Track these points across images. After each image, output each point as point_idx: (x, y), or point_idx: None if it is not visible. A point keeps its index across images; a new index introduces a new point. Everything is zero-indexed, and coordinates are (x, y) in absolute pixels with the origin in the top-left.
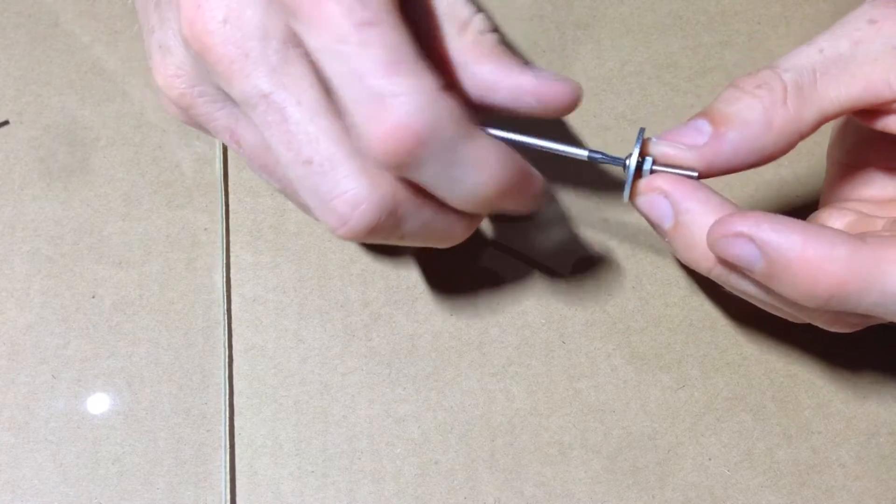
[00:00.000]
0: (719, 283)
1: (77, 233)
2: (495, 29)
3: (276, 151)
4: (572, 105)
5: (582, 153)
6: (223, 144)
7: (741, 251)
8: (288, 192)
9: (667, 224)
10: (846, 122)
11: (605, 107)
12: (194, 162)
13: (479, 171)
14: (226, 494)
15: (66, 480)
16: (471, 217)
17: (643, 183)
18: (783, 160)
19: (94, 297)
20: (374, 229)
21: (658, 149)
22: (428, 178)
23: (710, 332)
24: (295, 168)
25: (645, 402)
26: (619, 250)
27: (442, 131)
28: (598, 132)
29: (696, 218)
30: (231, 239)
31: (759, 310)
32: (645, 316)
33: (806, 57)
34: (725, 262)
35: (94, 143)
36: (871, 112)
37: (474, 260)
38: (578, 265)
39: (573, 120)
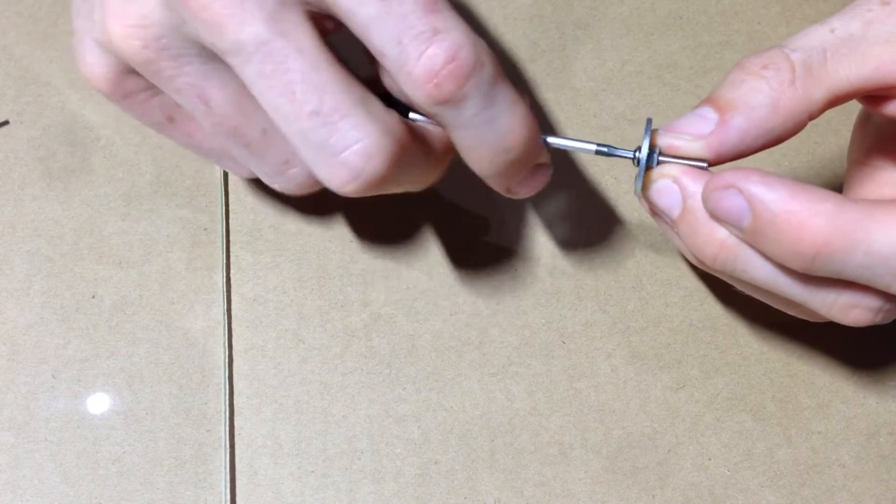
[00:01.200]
0: (723, 275)
1: (77, 233)
2: None
3: (273, 106)
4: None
5: (590, 147)
6: None
7: (731, 204)
8: (252, 159)
9: (675, 212)
10: (864, 120)
11: (605, 107)
12: (194, 162)
13: (510, 115)
14: (226, 494)
15: (66, 480)
16: (444, 159)
17: (654, 173)
18: (784, 156)
19: (94, 297)
20: (385, 180)
21: (665, 140)
22: (466, 116)
23: (710, 332)
24: (299, 121)
25: (645, 402)
26: (620, 250)
27: (486, 66)
28: (599, 132)
29: (702, 201)
30: (231, 239)
31: (759, 310)
32: (645, 316)
33: (817, 36)
34: (726, 247)
35: (94, 143)
36: (880, 98)
37: (474, 260)
38: (578, 265)
39: (573, 120)
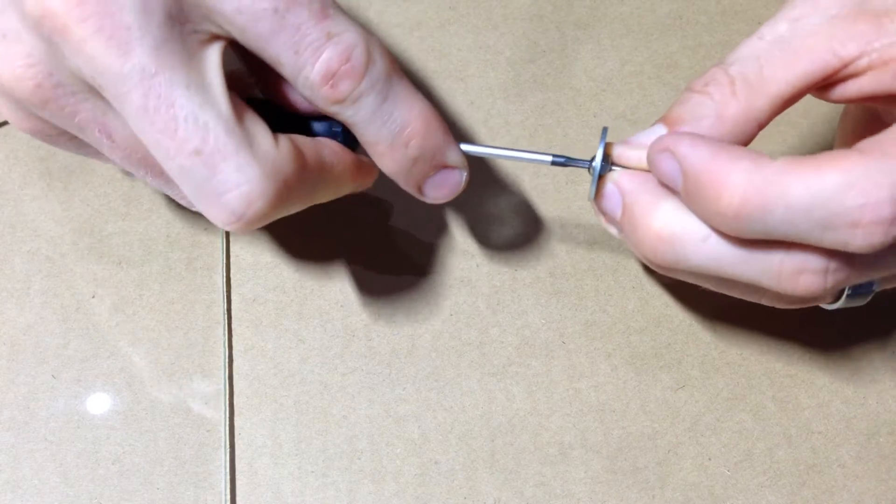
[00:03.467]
0: (673, 272)
1: (77, 233)
2: None
3: (153, 141)
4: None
5: (545, 158)
6: None
7: (666, 166)
8: (167, 187)
9: (618, 213)
10: (845, 110)
11: (605, 107)
12: None
13: (407, 108)
14: (226, 494)
15: (66, 480)
16: (364, 169)
17: (605, 180)
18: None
19: (94, 297)
20: (270, 216)
21: (616, 150)
22: (365, 113)
23: (710, 332)
24: (179, 159)
25: (645, 402)
26: (619, 250)
27: (378, 63)
28: (598, 132)
29: (639, 198)
30: (231, 239)
31: (760, 311)
32: (645, 316)
33: (750, 47)
34: (662, 238)
35: None
36: (827, 86)
37: (474, 260)
38: (578, 265)
39: (573, 120)
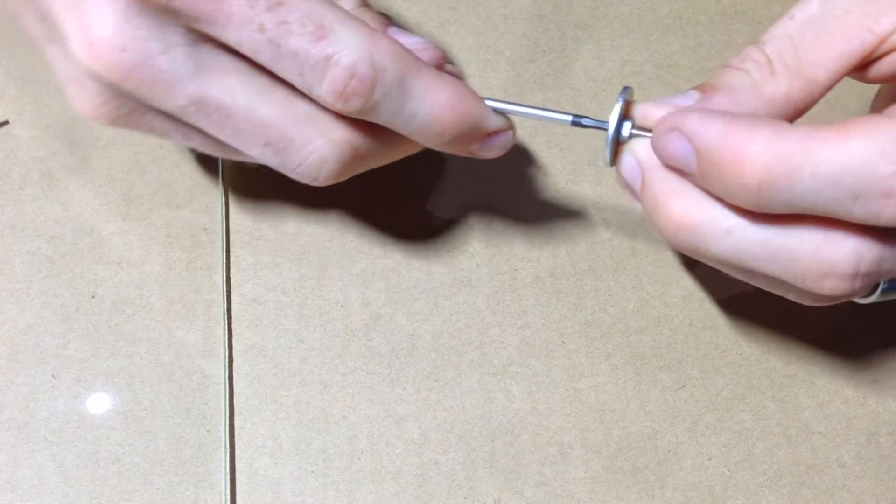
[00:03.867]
0: (688, 251)
1: (77, 233)
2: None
3: (231, 141)
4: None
5: (566, 118)
6: None
7: (675, 147)
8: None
9: (637, 186)
10: (878, 92)
11: (605, 107)
12: (194, 162)
13: (430, 104)
14: (226, 494)
15: (66, 480)
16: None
17: (624, 146)
18: None
19: (94, 297)
20: (342, 175)
21: (639, 110)
22: (387, 117)
23: (710, 332)
24: (254, 151)
25: (645, 402)
26: (620, 250)
27: (387, 71)
28: (598, 131)
29: (660, 176)
30: (231, 239)
31: (760, 310)
32: (645, 316)
33: (781, 28)
34: (683, 227)
35: (94, 143)
36: (864, 66)
37: (474, 260)
38: (578, 265)
39: None
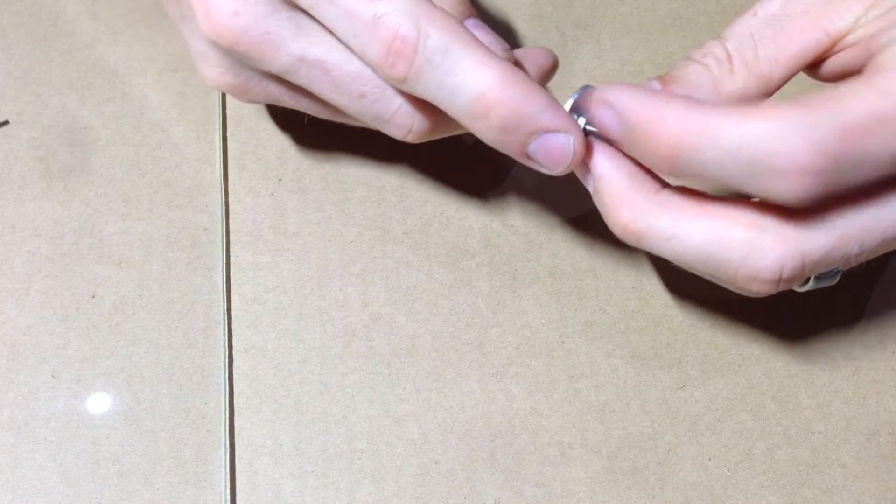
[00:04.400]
0: (641, 245)
1: (77, 233)
2: None
3: (330, 98)
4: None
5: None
6: (223, 145)
7: (605, 117)
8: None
9: (590, 186)
10: None
11: None
12: (194, 162)
13: (473, 80)
14: (226, 494)
15: (66, 480)
16: None
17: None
18: None
19: (94, 297)
20: (434, 131)
21: (597, 94)
22: (432, 89)
23: (710, 332)
24: (351, 105)
25: (645, 402)
26: (619, 250)
27: (431, 37)
28: None
29: (610, 185)
30: (231, 239)
31: (760, 311)
32: (645, 316)
33: (744, 23)
34: (629, 231)
35: (94, 143)
36: (817, 64)
37: (474, 260)
38: (578, 265)
39: None
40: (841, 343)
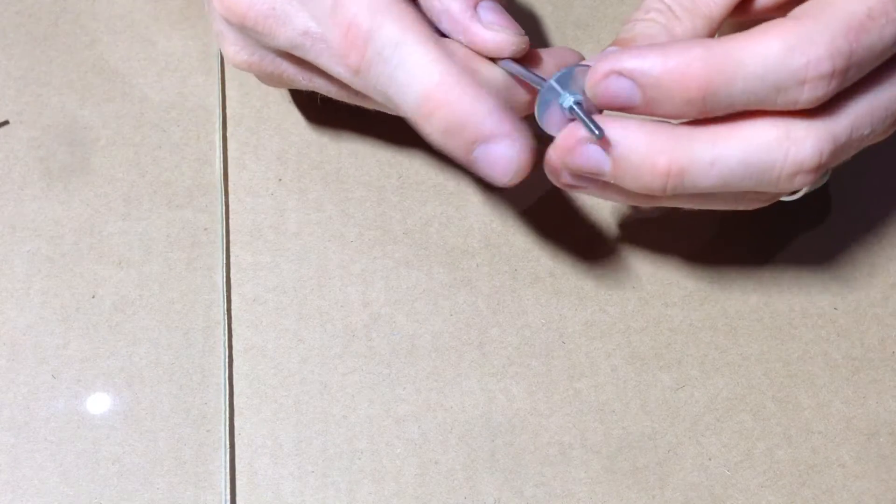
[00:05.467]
0: (675, 194)
1: (77, 233)
2: None
3: (338, 73)
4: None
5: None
6: (223, 145)
7: (616, 87)
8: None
9: (606, 167)
10: None
11: None
12: (194, 162)
13: (424, 75)
14: (226, 494)
15: (66, 480)
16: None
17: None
18: None
19: (94, 297)
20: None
21: (602, 67)
22: (381, 84)
23: (710, 332)
24: (356, 79)
25: (645, 402)
26: (619, 250)
27: (384, 28)
28: None
29: (637, 143)
30: (231, 239)
31: (760, 310)
32: (645, 316)
33: None
34: (672, 174)
35: (94, 143)
36: (744, 9)
37: (474, 260)
38: (578, 265)
39: None
40: (841, 343)
